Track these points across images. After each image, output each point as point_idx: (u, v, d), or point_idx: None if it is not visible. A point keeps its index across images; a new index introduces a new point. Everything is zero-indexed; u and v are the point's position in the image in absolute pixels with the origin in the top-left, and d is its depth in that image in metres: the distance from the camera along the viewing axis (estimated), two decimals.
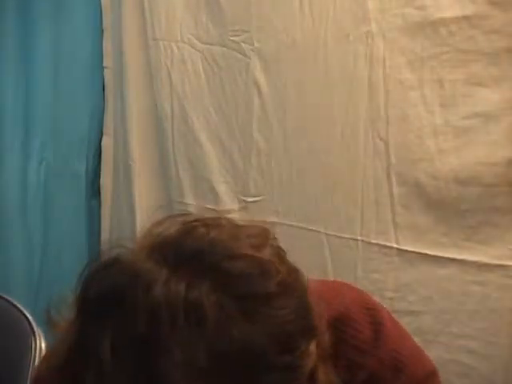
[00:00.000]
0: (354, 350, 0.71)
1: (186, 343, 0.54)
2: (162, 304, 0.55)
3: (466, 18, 1.47)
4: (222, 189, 1.97)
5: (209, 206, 1.99)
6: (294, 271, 0.63)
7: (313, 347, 0.60)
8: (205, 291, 0.56)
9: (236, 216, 1.93)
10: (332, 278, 1.71)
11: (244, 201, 1.92)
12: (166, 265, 0.58)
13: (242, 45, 1.89)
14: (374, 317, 0.74)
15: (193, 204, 2.03)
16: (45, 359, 0.88)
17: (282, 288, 0.58)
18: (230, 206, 1.95)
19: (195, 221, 0.64)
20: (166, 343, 0.54)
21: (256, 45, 1.86)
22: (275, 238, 0.66)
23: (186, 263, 0.58)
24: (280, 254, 0.64)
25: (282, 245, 2.00)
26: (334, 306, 0.73)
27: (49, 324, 0.66)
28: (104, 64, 2.26)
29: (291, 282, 0.60)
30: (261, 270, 0.58)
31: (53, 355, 0.64)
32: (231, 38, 1.91)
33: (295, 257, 1.95)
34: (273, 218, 1.85)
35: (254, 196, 1.90)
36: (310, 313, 0.61)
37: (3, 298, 1.25)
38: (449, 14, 1.49)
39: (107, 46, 2.25)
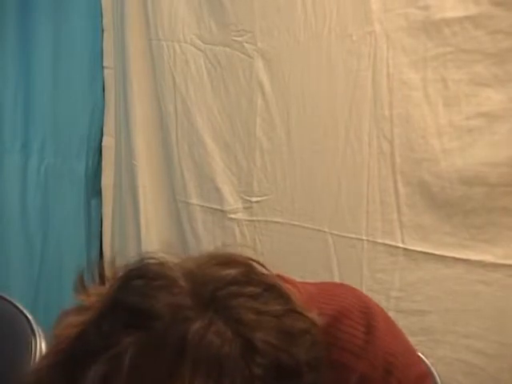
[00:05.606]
0: (347, 353, 0.70)
1: None
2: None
3: (469, 18, 1.46)
4: (226, 189, 1.97)
5: (213, 206, 2.00)
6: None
7: None
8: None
9: (240, 215, 1.94)
10: (337, 278, 1.71)
11: (248, 201, 1.93)
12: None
13: (245, 45, 1.89)
14: (368, 320, 0.73)
15: (197, 204, 2.03)
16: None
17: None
18: (235, 206, 1.96)
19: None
20: None
21: (259, 45, 1.86)
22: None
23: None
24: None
25: (287, 245, 1.98)
26: (326, 311, 0.72)
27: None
28: (104, 64, 2.27)
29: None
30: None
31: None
32: (234, 38, 1.91)
33: (300, 257, 1.94)
34: (277, 218, 1.86)
35: (258, 196, 1.90)
36: None
37: (3, 298, 1.24)
38: (452, 14, 1.48)
39: (107, 45, 2.26)
